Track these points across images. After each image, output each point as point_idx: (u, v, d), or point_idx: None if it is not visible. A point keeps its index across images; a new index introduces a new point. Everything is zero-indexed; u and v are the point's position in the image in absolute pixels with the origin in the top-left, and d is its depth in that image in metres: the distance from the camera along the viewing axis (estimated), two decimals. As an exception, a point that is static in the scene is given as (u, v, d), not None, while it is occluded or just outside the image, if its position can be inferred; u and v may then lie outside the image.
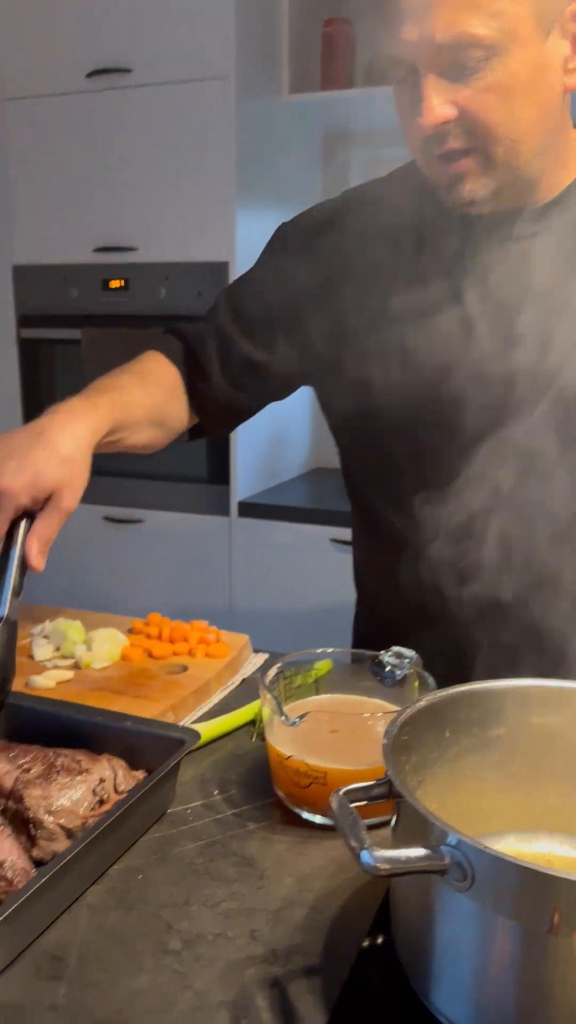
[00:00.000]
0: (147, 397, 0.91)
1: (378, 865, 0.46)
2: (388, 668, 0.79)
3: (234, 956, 0.56)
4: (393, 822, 0.55)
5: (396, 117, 0.80)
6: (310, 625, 2.07)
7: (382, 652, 0.80)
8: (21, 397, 2.37)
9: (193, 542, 2.23)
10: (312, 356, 0.94)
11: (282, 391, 1.03)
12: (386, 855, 0.46)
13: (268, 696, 0.72)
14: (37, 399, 2.33)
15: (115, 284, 2.15)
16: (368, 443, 0.94)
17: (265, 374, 0.97)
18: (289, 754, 0.70)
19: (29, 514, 0.75)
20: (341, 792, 0.52)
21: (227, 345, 0.97)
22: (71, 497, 0.75)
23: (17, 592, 0.73)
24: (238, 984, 0.53)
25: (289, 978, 0.54)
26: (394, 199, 0.90)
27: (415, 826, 0.49)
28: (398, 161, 0.94)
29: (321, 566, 2.07)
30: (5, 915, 0.51)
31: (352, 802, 0.52)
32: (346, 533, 2.05)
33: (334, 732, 0.73)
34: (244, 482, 2.18)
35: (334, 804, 0.51)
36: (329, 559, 2.06)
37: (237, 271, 2.05)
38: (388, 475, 0.94)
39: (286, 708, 0.72)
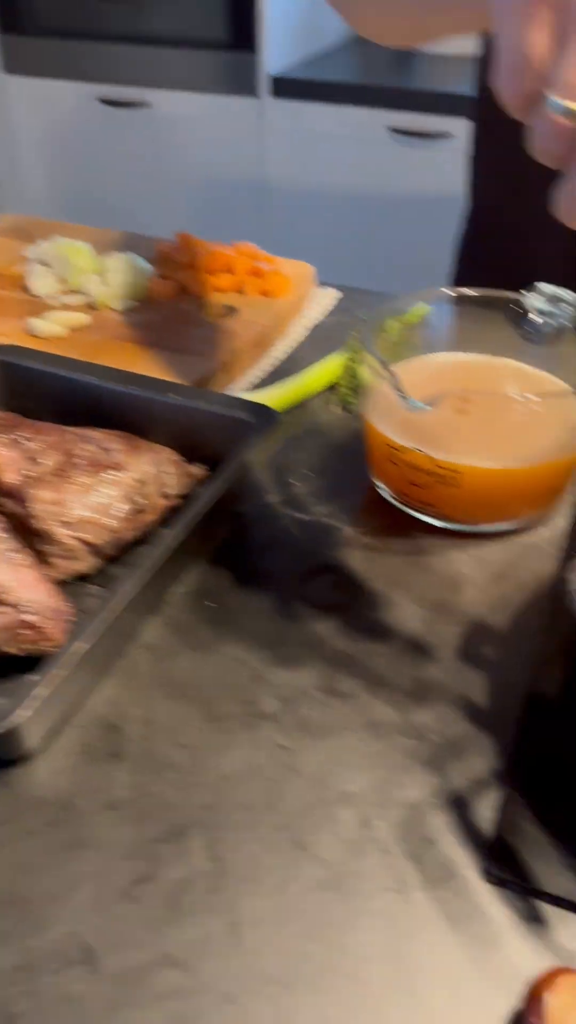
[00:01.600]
0: None
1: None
2: (538, 317, 0.56)
3: (355, 722, 0.41)
4: None
5: None
6: (366, 243, 1.76)
7: (527, 293, 0.56)
8: None
9: (213, 131, 1.81)
10: None
11: None
12: None
13: (374, 363, 0.50)
14: None
15: None
16: None
17: None
18: (407, 445, 0.51)
19: None
20: None
21: None
22: None
23: None
24: (363, 767, 0.40)
25: (442, 760, 0.40)
26: None
27: None
28: None
29: (377, 161, 1.68)
30: (55, 686, 0.36)
31: None
32: (408, 120, 1.64)
33: (462, 413, 0.52)
34: (276, 49, 1.69)
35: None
36: (387, 153, 1.66)
37: None
38: None
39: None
